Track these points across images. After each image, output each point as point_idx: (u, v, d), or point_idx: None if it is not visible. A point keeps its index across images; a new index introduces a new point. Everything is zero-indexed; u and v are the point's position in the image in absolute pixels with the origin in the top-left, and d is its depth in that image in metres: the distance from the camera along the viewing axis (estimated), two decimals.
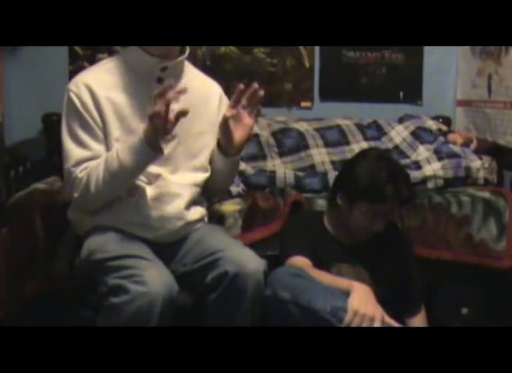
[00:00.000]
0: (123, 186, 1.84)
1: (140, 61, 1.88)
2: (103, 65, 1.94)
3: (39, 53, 2.90)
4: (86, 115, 1.83)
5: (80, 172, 1.82)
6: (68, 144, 1.84)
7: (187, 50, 1.94)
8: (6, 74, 2.90)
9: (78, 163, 1.83)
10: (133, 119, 1.87)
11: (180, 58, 1.91)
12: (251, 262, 1.81)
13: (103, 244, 1.83)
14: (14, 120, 2.89)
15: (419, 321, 2.06)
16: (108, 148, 1.85)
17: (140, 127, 1.81)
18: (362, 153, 2.10)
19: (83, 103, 1.83)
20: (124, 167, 1.77)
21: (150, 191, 1.88)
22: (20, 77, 2.96)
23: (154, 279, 1.67)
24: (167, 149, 1.88)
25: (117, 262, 1.75)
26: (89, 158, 1.83)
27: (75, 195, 1.84)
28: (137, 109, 1.87)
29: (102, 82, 1.86)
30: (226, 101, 2.03)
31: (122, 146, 1.79)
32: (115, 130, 1.85)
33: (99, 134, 1.84)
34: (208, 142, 1.99)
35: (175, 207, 1.91)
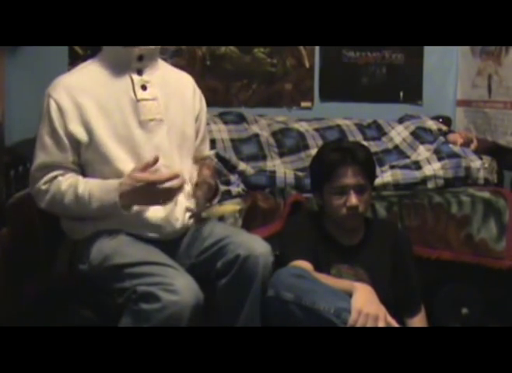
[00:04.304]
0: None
1: (115, 53, 1.91)
2: (84, 67, 1.97)
3: (39, 53, 2.90)
4: (57, 122, 1.85)
5: (44, 184, 1.86)
6: (36, 149, 1.90)
7: None
8: (6, 74, 2.90)
9: (39, 168, 1.87)
10: (116, 111, 1.88)
11: (153, 46, 1.93)
12: (260, 245, 1.86)
13: (117, 248, 1.83)
14: (14, 120, 2.89)
15: (418, 321, 2.06)
16: (96, 149, 1.86)
17: (128, 119, 1.87)
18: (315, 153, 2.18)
19: (60, 109, 1.85)
20: (93, 211, 1.84)
21: None
22: (20, 77, 2.96)
23: (184, 288, 1.68)
24: (160, 141, 1.92)
25: (140, 268, 1.75)
26: (49, 165, 1.86)
27: (41, 205, 1.90)
28: (119, 102, 1.89)
29: (83, 83, 1.89)
30: (198, 90, 2.10)
31: (96, 192, 1.82)
32: (102, 130, 1.86)
33: (65, 142, 1.86)
34: (190, 131, 2.03)
35: (179, 202, 1.91)
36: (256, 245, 1.85)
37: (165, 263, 1.77)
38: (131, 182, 1.78)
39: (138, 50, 1.89)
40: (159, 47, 1.97)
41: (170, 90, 1.98)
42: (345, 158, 1.98)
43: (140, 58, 1.91)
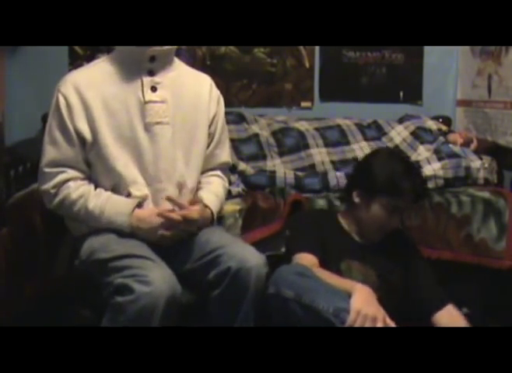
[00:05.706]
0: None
1: (127, 52, 1.89)
2: (95, 64, 1.96)
3: (39, 53, 2.90)
4: (67, 118, 1.85)
5: (53, 187, 1.86)
6: (45, 143, 1.89)
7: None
8: (6, 74, 2.90)
9: (50, 165, 1.86)
10: (122, 112, 1.87)
11: (167, 47, 1.90)
12: (253, 257, 1.83)
13: (105, 244, 1.84)
14: (14, 120, 2.89)
15: (446, 315, 1.98)
16: (99, 150, 1.86)
17: (133, 121, 1.85)
18: (376, 151, 2.18)
19: (69, 105, 1.85)
20: (103, 226, 1.86)
21: (151, 194, 1.89)
22: (20, 77, 2.96)
23: (158, 279, 1.68)
24: (164, 145, 1.90)
25: (121, 261, 1.76)
26: (59, 162, 1.86)
27: (48, 206, 1.91)
28: (126, 103, 1.87)
29: (92, 80, 1.88)
30: (216, 92, 2.06)
31: (106, 211, 1.84)
32: (106, 130, 1.85)
33: (75, 139, 1.85)
34: (201, 136, 1.99)
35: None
36: (249, 257, 1.81)
37: (144, 255, 1.77)
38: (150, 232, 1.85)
39: (150, 50, 1.86)
40: (174, 47, 1.94)
41: (184, 92, 1.95)
42: (415, 190, 2.00)
43: (152, 59, 1.88)
